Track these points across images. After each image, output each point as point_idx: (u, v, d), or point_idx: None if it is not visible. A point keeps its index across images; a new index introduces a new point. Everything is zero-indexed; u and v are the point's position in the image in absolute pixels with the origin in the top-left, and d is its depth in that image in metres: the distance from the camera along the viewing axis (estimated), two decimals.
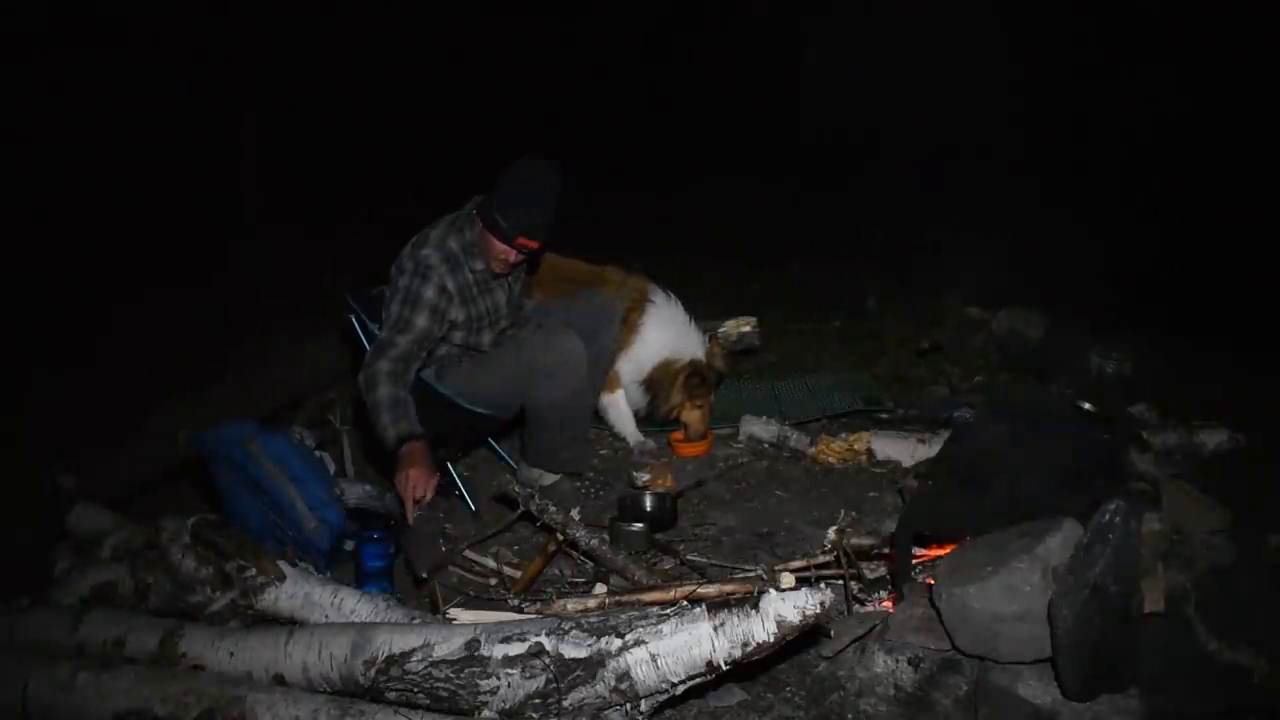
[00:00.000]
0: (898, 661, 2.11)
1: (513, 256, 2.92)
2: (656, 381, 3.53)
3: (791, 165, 8.77)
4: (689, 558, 2.73)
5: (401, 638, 1.91)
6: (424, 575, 2.57)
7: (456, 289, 2.92)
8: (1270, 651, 2.06)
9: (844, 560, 2.48)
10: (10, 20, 5.74)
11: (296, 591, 2.28)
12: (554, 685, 1.75)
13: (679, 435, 3.62)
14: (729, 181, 8.60)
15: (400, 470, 2.60)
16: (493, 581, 2.68)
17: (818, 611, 1.69)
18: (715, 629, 1.72)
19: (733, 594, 2.21)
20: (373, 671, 1.88)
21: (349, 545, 2.75)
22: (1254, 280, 4.94)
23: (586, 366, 3.06)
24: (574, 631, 1.80)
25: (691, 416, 3.55)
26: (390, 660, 1.87)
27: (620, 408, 3.62)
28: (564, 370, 2.99)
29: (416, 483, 2.58)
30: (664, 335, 3.52)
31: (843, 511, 2.75)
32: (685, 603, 1.84)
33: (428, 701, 1.84)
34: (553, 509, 2.62)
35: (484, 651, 1.81)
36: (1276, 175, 5.67)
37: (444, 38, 9.16)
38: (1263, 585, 2.31)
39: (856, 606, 2.45)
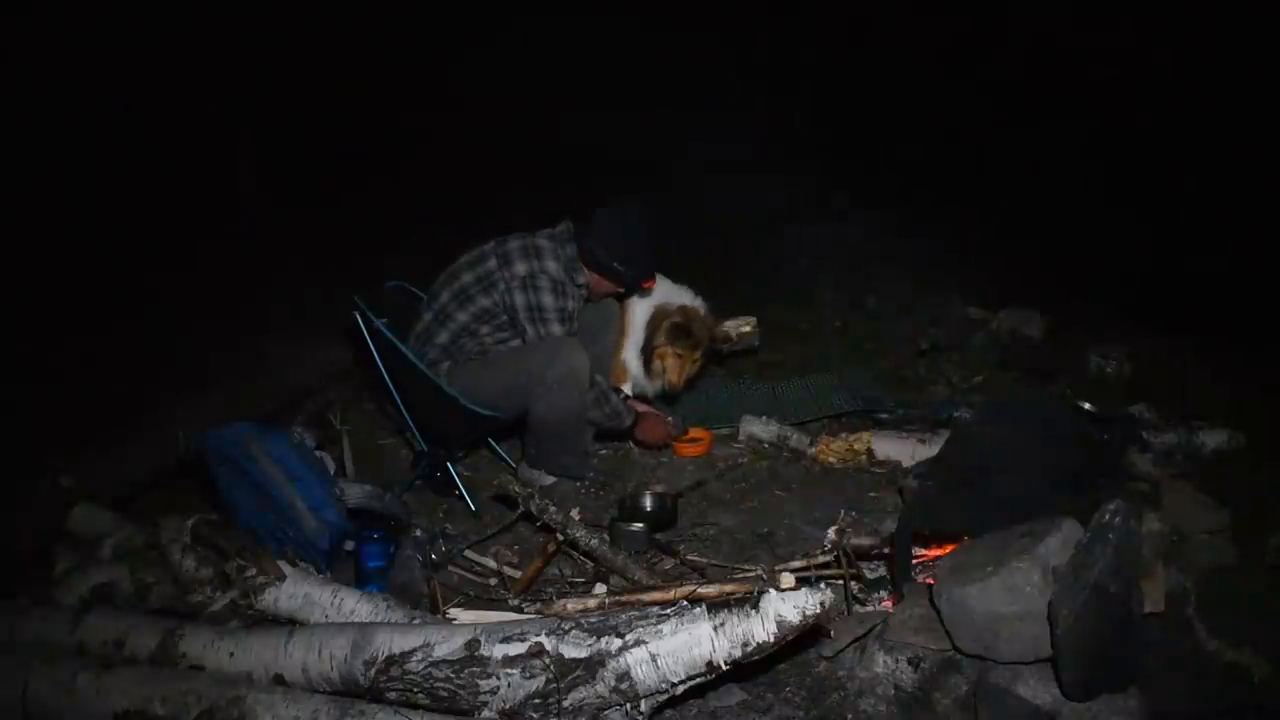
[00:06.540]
0: (898, 661, 2.11)
1: (622, 290, 3.30)
2: (650, 339, 3.43)
3: None
4: (689, 558, 2.73)
5: (401, 638, 1.91)
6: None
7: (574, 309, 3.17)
8: (1270, 651, 2.07)
9: (844, 560, 2.48)
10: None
11: (296, 591, 2.28)
12: (554, 685, 1.75)
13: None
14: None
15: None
16: (493, 581, 2.68)
17: (818, 611, 1.69)
18: (715, 629, 1.72)
19: (733, 594, 2.22)
20: (373, 671, 1.88)
21: (349, 545, 2.75)
22: (1254, 279, 4.93)
23: (589, 379, 3.08)
24: (574, 631, 1.80)
25: (669, 363, 3.41)
26: (390, 660, 1.87)
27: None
28: (568, 383, 3.03)
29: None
30: (652, 299, 3.45)
31: (843, 511, 2.75)
32: (685, 603, 1.83)
33: (428, 701, 1.84)
34: (553, 509, 2.62)
35: (484, 651, 1.81)
36: (1276, 173, 5.66)
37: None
38: (1263, 585, 2.32)
39: (856, 606, 2.45)
